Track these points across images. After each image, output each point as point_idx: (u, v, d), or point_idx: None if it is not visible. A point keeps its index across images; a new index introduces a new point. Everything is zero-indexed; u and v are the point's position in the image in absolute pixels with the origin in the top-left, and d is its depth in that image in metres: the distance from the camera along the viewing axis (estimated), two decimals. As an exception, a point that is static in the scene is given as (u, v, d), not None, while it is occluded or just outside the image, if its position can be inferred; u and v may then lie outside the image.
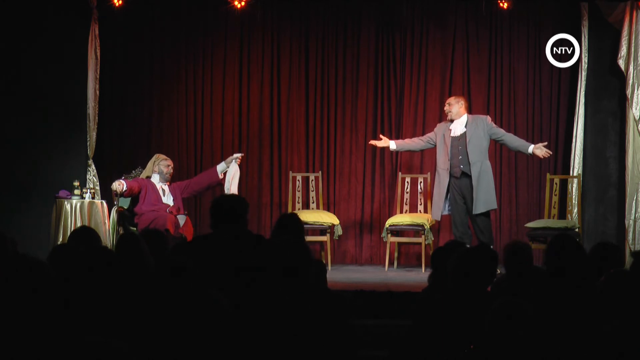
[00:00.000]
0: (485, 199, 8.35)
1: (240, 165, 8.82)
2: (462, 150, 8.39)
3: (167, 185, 8.72)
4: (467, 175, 8.38)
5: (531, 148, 8.46)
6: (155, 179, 8.70)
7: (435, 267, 4.87)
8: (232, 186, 8.65)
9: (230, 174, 8.72)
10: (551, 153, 8.69)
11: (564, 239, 4.42)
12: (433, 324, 3.83)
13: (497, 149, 9.57)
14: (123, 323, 3.47)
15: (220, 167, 8.83)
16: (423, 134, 9.91)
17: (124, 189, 8.43)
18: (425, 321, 3.88)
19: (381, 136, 8.94)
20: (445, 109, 8.62)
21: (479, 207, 8.32)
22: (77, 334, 2.97)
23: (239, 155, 8.85)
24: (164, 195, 8.65)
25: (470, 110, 8.89)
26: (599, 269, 4.12)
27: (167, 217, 8.34)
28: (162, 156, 8.86)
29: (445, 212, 8.59)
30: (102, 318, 3.50)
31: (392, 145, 8.76)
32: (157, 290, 3.75)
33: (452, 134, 8.46)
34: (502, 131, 8.60)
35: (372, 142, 8.92)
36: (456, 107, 8.51)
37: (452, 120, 8.51)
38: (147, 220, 8.31)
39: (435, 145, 8.60)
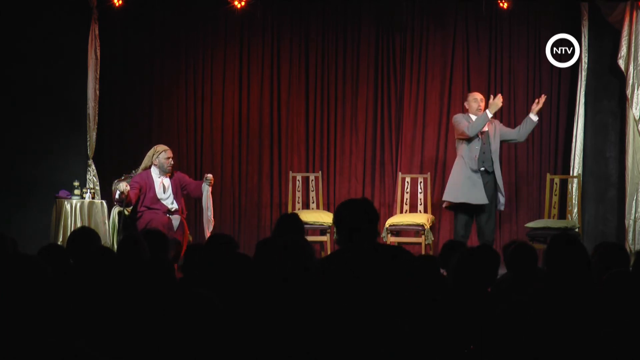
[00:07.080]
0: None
1: (212, 186, 8.36)
2: (485, 147, 8.31)
3: (167, 178, 8.24)
4: (487, 173, 8.27)
5: (533, 116, 8.38)
6: (155, 172, 8.23)
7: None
8: (209, 212, 8.28)
9: (205, 200, 8.29)
10: (544, 95, 8.55)
11: (564, 238, 4.40)
12: (433, 324, 3.82)
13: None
14: (120, 323, 3.46)
15: (203, 186, 8.34)
16: (423, 133, 9.92)
17: (127, 193, 7.90)
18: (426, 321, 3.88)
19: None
20: (481, 105, 8.35)
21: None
22: (66, 336, 2.96)
23: (209, 175, 8.33)
24: (164, 192, 8.19)
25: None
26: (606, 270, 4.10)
27: (160, 220, 8.02)
28: (162, 147, 8.35)
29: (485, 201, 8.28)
30: (99, 318, 3.50)
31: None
32: (154, 290, 3.74)
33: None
34: (509, 129, 8.55)
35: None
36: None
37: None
38: (144, 221, 8.02)
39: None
